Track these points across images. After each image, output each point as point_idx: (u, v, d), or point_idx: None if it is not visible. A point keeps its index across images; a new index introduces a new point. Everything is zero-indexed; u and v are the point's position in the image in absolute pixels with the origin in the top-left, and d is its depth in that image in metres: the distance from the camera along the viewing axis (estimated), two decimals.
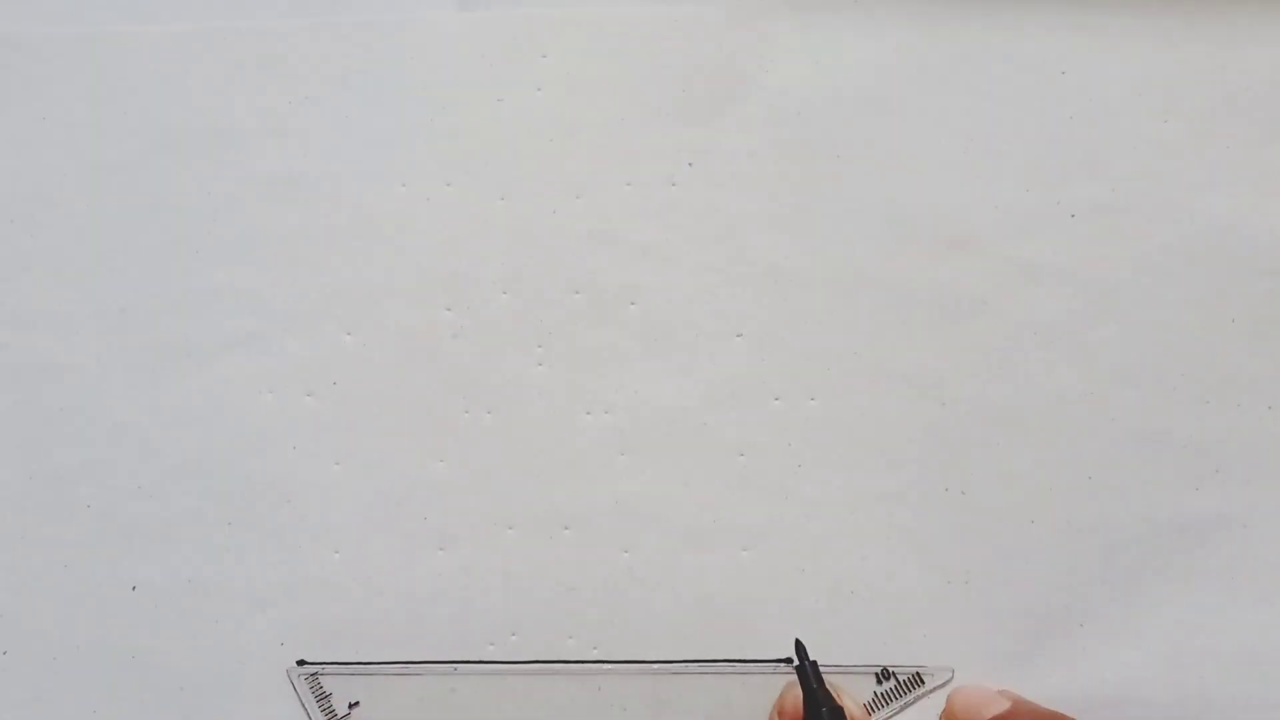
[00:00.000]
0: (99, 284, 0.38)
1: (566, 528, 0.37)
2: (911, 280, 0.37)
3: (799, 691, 0.34)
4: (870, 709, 0.36)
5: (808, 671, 0.34)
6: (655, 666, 0.36)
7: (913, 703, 0.36)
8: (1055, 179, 0.37)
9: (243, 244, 0.38)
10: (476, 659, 0.37)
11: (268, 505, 0.37)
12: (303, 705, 0.37)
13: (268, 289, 0.38)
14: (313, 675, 0.37)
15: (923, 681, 0.36)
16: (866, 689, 0.36)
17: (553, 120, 0.38)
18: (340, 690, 0.37)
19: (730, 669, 0.36)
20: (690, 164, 0.38)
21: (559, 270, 0.38)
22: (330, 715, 0.37)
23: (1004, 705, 0.34)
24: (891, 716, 0.36)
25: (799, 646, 0.34)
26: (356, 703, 0.37)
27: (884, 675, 0.36)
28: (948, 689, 0.36)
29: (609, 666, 0.36)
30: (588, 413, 0.37)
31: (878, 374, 0.37)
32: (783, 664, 0.36)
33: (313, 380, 0.38)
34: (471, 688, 0.36)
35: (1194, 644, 0.36)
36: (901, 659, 0.36)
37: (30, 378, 0.38)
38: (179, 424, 0.38)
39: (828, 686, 0.34)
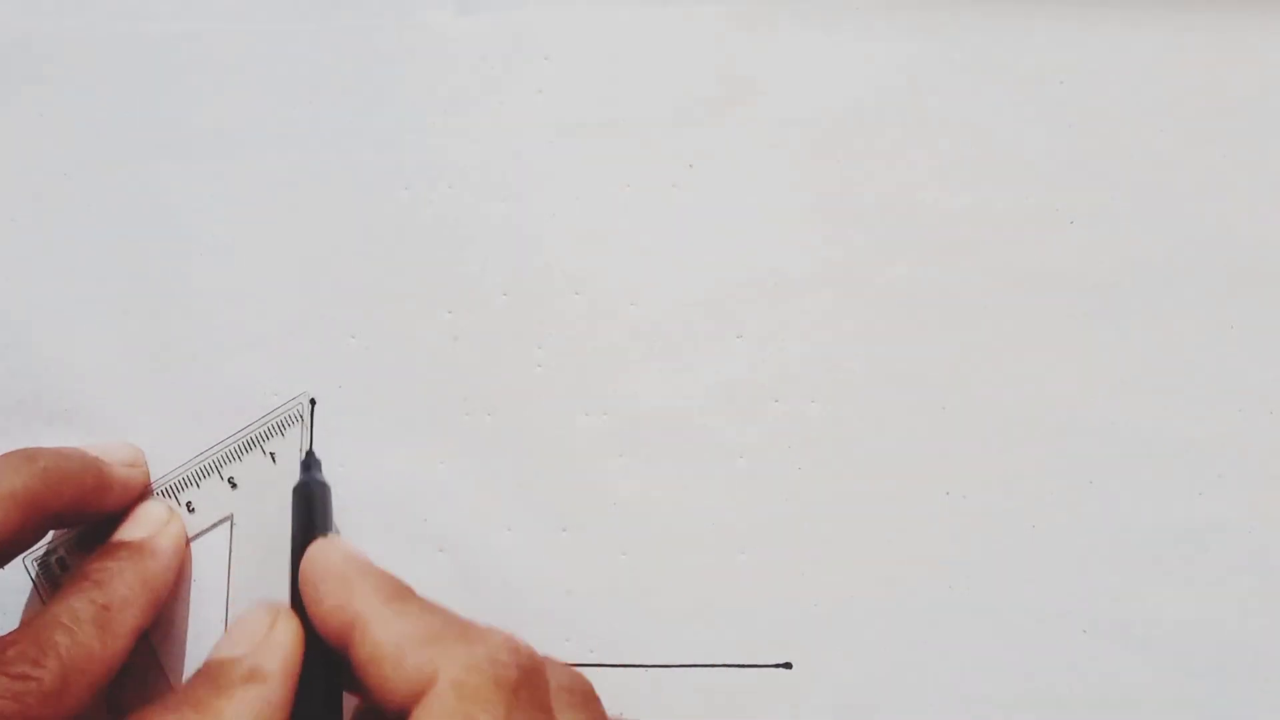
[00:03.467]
0: (100, 284, 0.38)
1: (564, 530, 0.37)
2: (912, 284, 0.37)
3: None
4: None
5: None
6: (653, 669, 0.36)
7: None
8: (1054, 185, 0.37)
9: (244, 246, 0.38)
10: None
11: (267, 504, 0.37)
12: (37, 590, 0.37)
13: (270, 291, 0.38)
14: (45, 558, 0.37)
15: None
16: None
17: (553, 122, 0.38)
18: None
19: (728, 672, 0.36)
20: (691, 166, 0.38)
21: (559, 272, 0.38)
22: None
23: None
24: None
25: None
26: None
27: None
28: None
29: (607, 669, 0.36)
30: (587, 414, 0.37)
31: (878, 377, 0.37)
32: (782, 667, 0.36)
33: (316, 382, 0.38)
34: None
35: (1196, 650, 0.35)
36: (901, 663, 0.36)
37: (30, 377, 0.38)
38: (180, 423, 0.38)
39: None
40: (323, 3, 0.39)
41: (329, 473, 0.37)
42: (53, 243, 0.38)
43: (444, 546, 0.37)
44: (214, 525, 0.37)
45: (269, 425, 0.37)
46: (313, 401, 0.38)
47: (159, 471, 0.37)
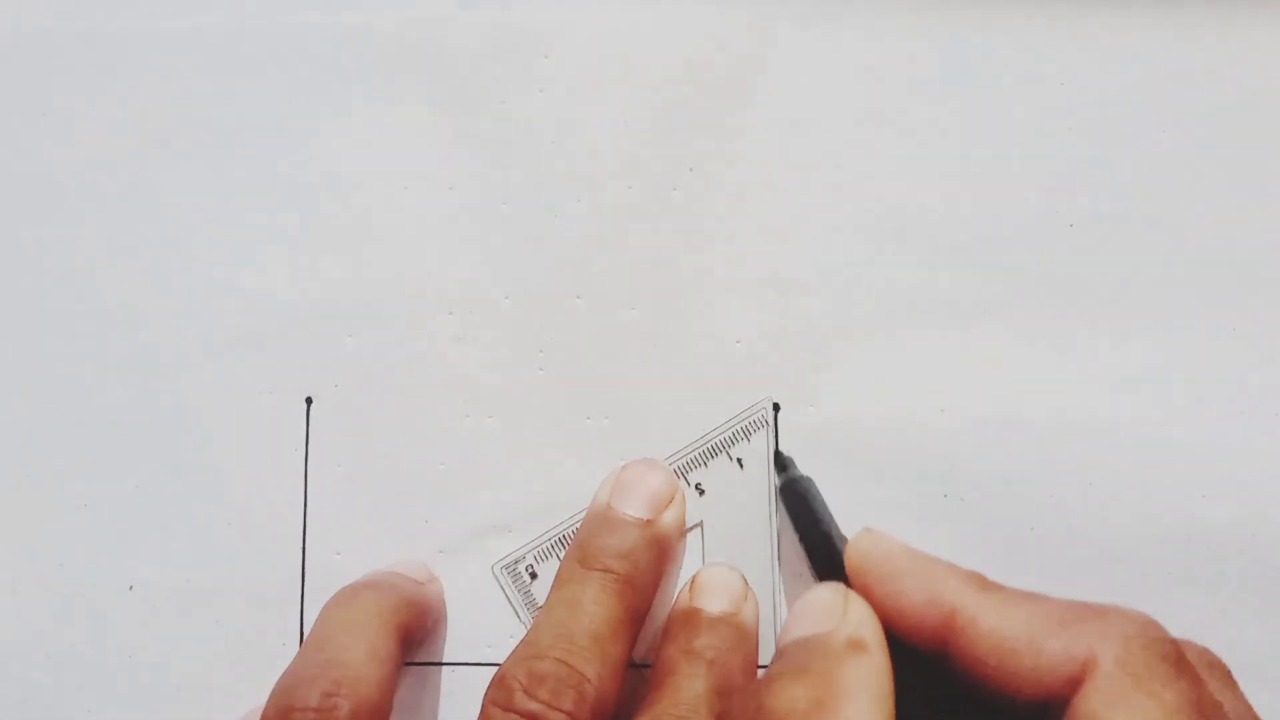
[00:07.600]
0: (98, 282, 0.38)
1: (567, 532, 0.37)
2: (911, 287, 0.37)
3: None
4: None
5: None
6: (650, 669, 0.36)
7: None
8: (1054, 188, 0.37)
9: (243, 244, 0.38)
10: (474, 661, 0.37)
11: (267, 505, 0.37)
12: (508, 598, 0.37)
13: (268, 289, 0.38)
14: (513, 565, 0.37)
15: None
16: None
17: (554, 123, 0.38)
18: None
19: None
20: (691, 169, 0.37)
21: (560, 275, 0.38)
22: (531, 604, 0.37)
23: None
24: None
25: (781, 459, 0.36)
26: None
27: None
28: None
29: None
30: (588, 418, 0.37)
31: (877, 380, 0.37)
32: None
33: (313, 381, 0.38)
34: (469, 689, 0.36)
35: None
36: None
37: (28, 376, 0.38)
38: (178, 423, 0.38)
39: None
40: (322, 1, 0.39)
41: (326, 473, 0.37)
42: (53, 241, 0.38)
43: (444, 548, 0.37)
44: (686, 532, 0.37)
45: (734, 430, 0.37)
46: (309, 400, 0.38)
47: (153, 467, 0.37)
